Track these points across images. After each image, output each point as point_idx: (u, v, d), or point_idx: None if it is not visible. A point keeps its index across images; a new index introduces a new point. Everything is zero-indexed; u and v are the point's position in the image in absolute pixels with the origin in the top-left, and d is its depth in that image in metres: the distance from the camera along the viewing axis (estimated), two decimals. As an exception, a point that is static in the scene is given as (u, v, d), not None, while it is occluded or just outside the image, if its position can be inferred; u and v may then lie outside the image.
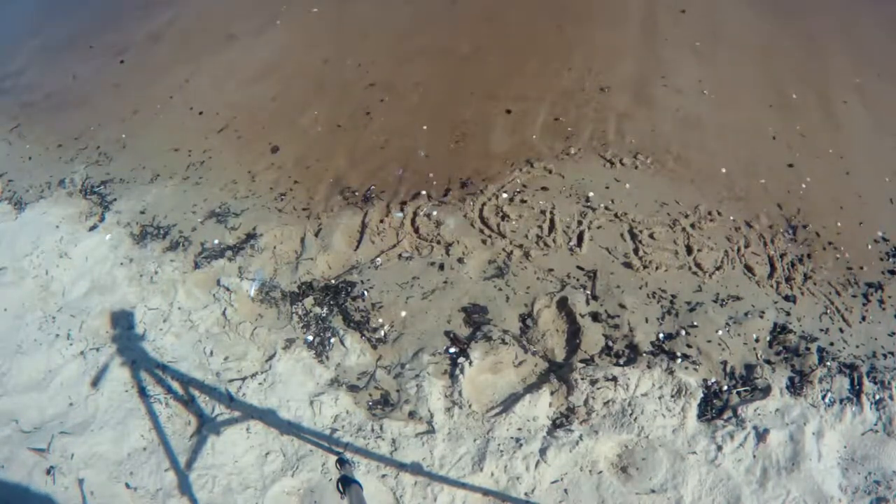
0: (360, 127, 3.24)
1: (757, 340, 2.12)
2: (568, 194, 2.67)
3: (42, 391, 2.33)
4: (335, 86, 3.55)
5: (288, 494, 1.96)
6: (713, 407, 1.98)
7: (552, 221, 2.56)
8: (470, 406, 2.04)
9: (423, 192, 2.80)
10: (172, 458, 2.05)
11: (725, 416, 1.94)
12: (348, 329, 2.33)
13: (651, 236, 2.46)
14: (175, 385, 2.26)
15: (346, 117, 3.32)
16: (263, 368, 2.24)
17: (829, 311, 2.19)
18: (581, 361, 2.10)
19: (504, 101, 3.20)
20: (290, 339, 2.33)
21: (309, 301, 2.43)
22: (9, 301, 2.68)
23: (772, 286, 2.28)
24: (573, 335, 2.21)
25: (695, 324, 2.16)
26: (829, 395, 1.96)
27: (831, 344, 2.09)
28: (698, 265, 2.36)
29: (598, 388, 2.00)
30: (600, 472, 1.87)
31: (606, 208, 2.59)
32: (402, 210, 2.72)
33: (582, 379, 2.03)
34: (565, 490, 1.85)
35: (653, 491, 1.82)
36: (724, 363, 2.07)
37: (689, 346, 2.11)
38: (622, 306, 2.24)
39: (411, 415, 2.04)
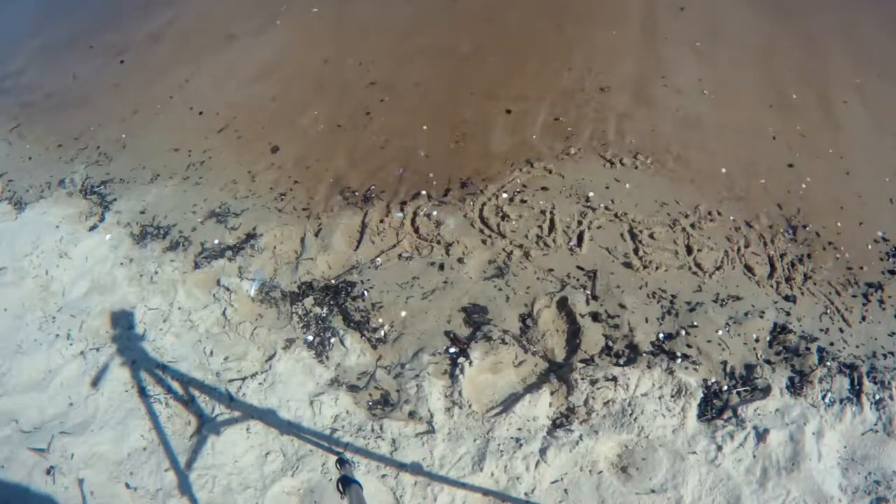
0: (360, 127, 3.24)
1: (757, 340, 2.12)
2: (568, 194, 2.67)
3: (42, 391, 2.33)
4: (335, 86, 3.55)
5: (288, 494, 1.96)
6: (713, 407, 1.98)
7: (552, 221, 2.56)
8: (470, 406, 2.04)
9: (423, 192, 2.80)
10: (172, 458, 2.05)
11: (725, 416, 1.94)
12: (348, 329, 2.33)
13: (651, 236, 2.46)
14: (175, 385, 2.26)
15: (347, 117, 3.32)
16: (263, 368, 2.25)
17: (829, 311, 2.19)
18: (581, 361, 2.10)
19: (504, 101, 3.20)
20: (290, 339, 2.33)
21: (309, 301, 2.43)
22: (9, 301, 2.68)
23: (772, 286, 2.28)
24: (573, 335, 2.21)
25: (695, 324, 2.16)
26: (829, 395, 1.96)
27: (831, 344, 2.09)
28: (698, 265, 2.36)
29: (598, 388, 2.00)
30: (600, 472, 1.87)
31: (606, 208, 2.59)
32: (402, 210, 2.73)
33: (582, 379, 2.03)
34: (565, 490, 1.85)
35: (653, 491, 1.82)
36: (724, 363, 2.07)
37: (689, 346, 2.11)
38: (622, 306, 2.24)
39: (411, 415, 2.04)
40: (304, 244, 2.66)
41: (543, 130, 3.01)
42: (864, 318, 2.17)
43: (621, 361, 2.10)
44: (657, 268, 2.36)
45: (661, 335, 2.16)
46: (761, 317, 2.16)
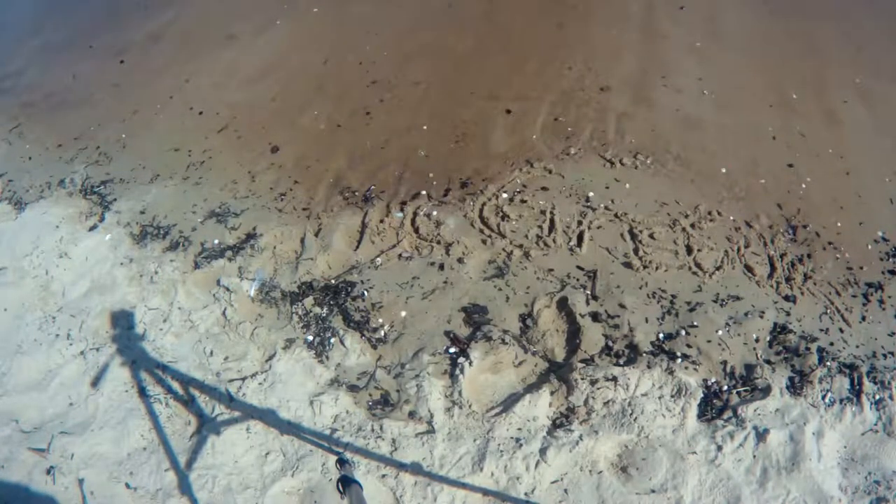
0: (361, 127, 3.24)
1: (757, 340, 2.12)
2: (568, 194, 2.67)
3: (42, 391, 2.33)
4: (335, 86, 3.55)
5: (288, 494, 1.96)
6: (713, 407, 1.98)
7: (552, 221, 2.56)
8: (470, 406, 2.04)
9: (423, 192, 2.80)
10: (172, 458, 2.05)
11: (725, 416, 1.94)
12: (348, 329, 2.33)
13: (651, 236, 2.46)
14: (175, 385, 2.26)
15: (347, 117, 3.32)
16: (263, 368, 2.25)
17: (829, 311, 2.19)
18: (581, 361, 2.10)
19: (504, 101, 3.20)
20: (290, 339, 2.33)
21: (309, 301, 2.43)
22: (9, 301, 2.68)
23: (772, 286, 2.28)
24: (573, 335, 2.21)
25: (695, 324, 2.16)
26: (829, 395, 1.96)
27: (831, 344, 2.09)
28: (698, 265, 2.36)
29: (598, 388, 2.00)
30: (600, 472, 1.87)
31: (606, 208, 2.59)
32: (402, 210, 2.73)
33: (582, 379, 2.03)
34: (565, 490, 1.85)
35: (653, 491, 1.82)
36: (724, 363, 2.07)
37: (689, 346, 2.11)
38: (622, 306, 2.24)
39: (411, 415, 2.04)
40: (304, 244, 2.66)
41: (543, 130, 3.01)
42: (864, 318, 2.17)
43: (621, 361, 2.10)
44: (657, 268, 2.36)
45: (661, 335, 2.16)
46: (761, 317, 2.16)
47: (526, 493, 1.84)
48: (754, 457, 1.84)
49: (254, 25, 4.24)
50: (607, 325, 2.20)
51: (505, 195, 2.70)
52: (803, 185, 2.62)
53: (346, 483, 1.33)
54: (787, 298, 2.24)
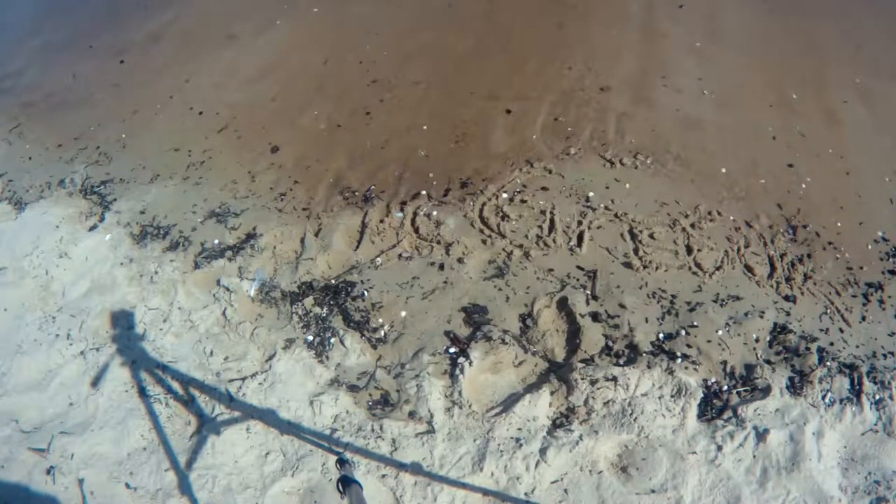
0: (361, 127, 3.24)
1: (757, 340, 2.12)
2: (568, 194, 2.67)
3: (42, 391, 2.33)
4: (335, 86, 3.55)
5: (288, 494, 1.96)
6: (713, 407, 1.98)
7: (552, 221, 2.56)
8: (470, 406, 2.04)
9: (423, 192, 2.80)
10: (172, 458, 2.05)
11: (725, 416, 1.94)
12: (348, 329, 2.33)
13: (651, 236, 2.46)
14: (175, 385, 2.26)
15: (346, 117, 3.32)
16: (263, 368, 2.25)
17: (829, 311, 2.19)
18: (581, 361, 2.10)
19: (504, 101, 3.20)
20: (290, 339, 2.33)
21: (309, 301, 2.43)
22: (9, 301, 2.68)
23: (772, 286, 2.28)
24: (573, 335, 2.21)
25: (695, 324, 2.16)
26: (829, 395, 1.96)
27: (831, 344, 2.09)
28: (698, 265, 2.36)
29: (598, 388, 2.00)
30: (600, 472, 1.87)
31: (606, 208, 2.59)
32: (402, 210, 2.73)
33: (582, 379, 2.03)
34: (565, 490, 1.85)
35: (653, 491, 1.82)
36: (724, 363, 2.07)
37: (689, 346, 2.11)
38: (622, 306, 2.24)
39: (411, 415, 2.04)
40: (304, 244, 2.66)
41: (543, 130, 3.01)
42: (864, 318, 2.17)
43: (621, 361, 2.10)
44: (657, 268, 2.36)
45: (661, 335, 2.16)
46: (761, 317, 2.16)
47: (526, 493, 1.84)
48: (754, 457, 1.84)
49: (254, 25, 4.24)
50: (607, 325, 2.20)
51: (505, 195, 2.70)
52: (803, 185, 2.62)
53: (346, 483, 1.33)
54: (787, 298, 2.24)
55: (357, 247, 2.62)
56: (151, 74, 4.03)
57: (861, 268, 2.32)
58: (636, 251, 2.42)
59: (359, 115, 3.31)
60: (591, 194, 2.65)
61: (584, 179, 2.72)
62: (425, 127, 3.15)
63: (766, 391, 1.97)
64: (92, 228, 2.95)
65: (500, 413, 2.01)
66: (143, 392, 2.25)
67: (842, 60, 3.21)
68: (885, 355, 2.05)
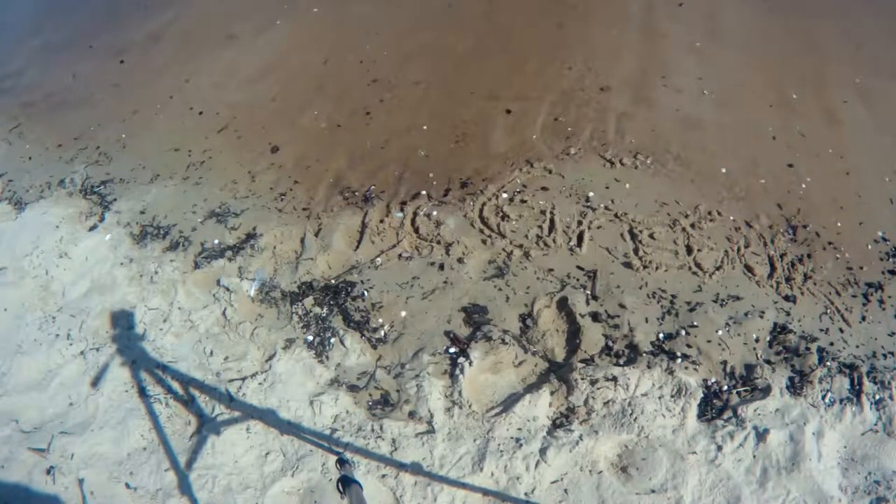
0: (361, 127, 3.24)
1: (757, 340, 2.12)
2: (568, 194, 2.67)
3: (42, 391, 2.33)
4: (335, 86, 3.55)
5: (288, 494, 1.96)
6: (713, 407, 1.98)
7: (552, 221, 2.56)
8: (470, 406, 2.04)
9: (423, 192, 2.80)
10: (172, 458, 2.05)
11: (725, 416, 1.94)
12: (348, 329, 2.33)
13: (651, 236, 2.46)
14: (175, 385, 2.26)
15: (347, 117, 3.32)
16: (263, 368, 2.25)
17: (829, 311, 2.19)
18: (581, 361, 2.10)
19: (504, 101, 3.20)
20: (290, 339, 2.33)
21: (309, 301, 2.43)
22: (9, 301, 2.68)
23: (772, 286, 2.28)
24: (573, 335, 2.21)
25: (695, 324, 2.16)
26: (829, 395, 1.96)
27: (831, 344, 2.09)
28: (698, 265, 2.36)
29: (598, 388, 2.00)
30: (600, 472, 1.87)
31: (606, 208, 2.58)
32: (402, 210, 2.73)
33: (582, 379, 2.03)
34: (565, 490, 1.85)
35: (653, 491, 1.82)
36: (724, 363, 2.07)
37: (689, 346, 2.11)
38: (622, 306, 2.24)
39: (411, 415, 2.04)
40: (304, 244, 2.66)
41: (543, 130, 3.01)
42: (864, 318, 2.17)
43: (621, 361, 2.10)
44: (657, 268, 2.35)
45: (661, 335, 2.16)
46: (761, 317, 2.16)
47: (526, 493, 1.84)
48: (754, 457, 1.84)
49: (254, 25, 4.24)
50: (607, 325, 2.20)
51: (505, 195, 2.70)
52: (803, 185, 2.62)
53: (346, 483, 1.33)
54: (787, 298, 2.24)
55: (357, 247, 2.62)
56: (151, 74, 4.03)
57: (861, 268, 2.32)
58: (636, 251, 2.42)
59: (359, 115, 3.31)
60: (591, 194, 2.65)
61: (584, 179, 2.72)
62: (425, 127, 3.15)
63: (766, 391, 1.97)
64: (92, 228, 2.95)
65: (500, 413, 2.01)
66: (143, 392, 2.25)
67: (842, 60, 3.21)
68: (885, 355, 2.05)
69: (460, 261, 2.48)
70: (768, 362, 2.06)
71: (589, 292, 2.30)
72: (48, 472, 2.08)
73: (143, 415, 2.18)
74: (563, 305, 2.28)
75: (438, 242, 2.57)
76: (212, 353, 2.33)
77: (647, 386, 2.00)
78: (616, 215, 2.55)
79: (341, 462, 1.54)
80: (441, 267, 2.48)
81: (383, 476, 1.91)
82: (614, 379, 2.01)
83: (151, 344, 2.40)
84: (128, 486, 2.02)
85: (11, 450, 2.16)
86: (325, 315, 2.39)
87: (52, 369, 2.40)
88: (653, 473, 1.85)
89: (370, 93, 3.43)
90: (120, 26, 4.65)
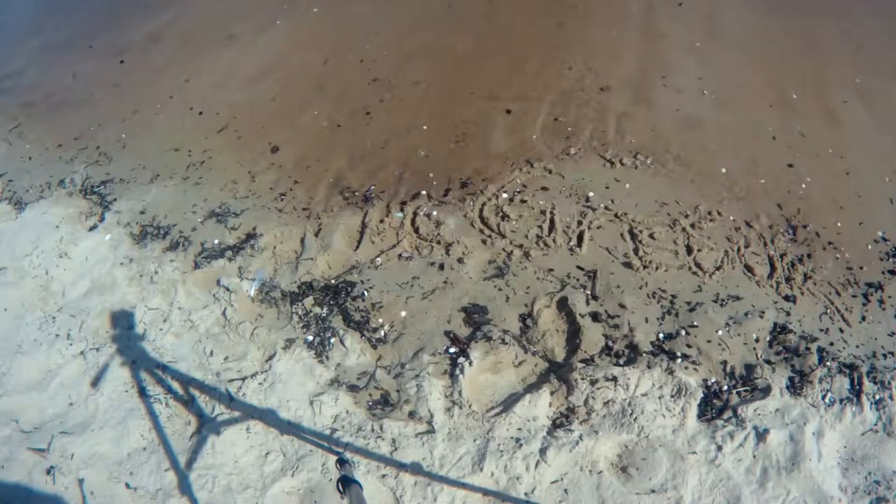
0: (361, 127, 3.24)
1: (757, 340, 2.12)
2: (568, 194, 2.67)
3: (42, 391, 2.33)
4: (335, 86, 3.55)
5: (288, 494, 1.96)
6: (713, 407, 1.98)
7: (552, 221, 2.56)
8: (470, 406, 2.04)
9: (423, 192, 2.80)
10: (172, 458, 2.05)
11: (725, 416, 1.94)
12: (348, 329, 2.33)
13: (651, 236, 2.46)
14: (175, 385, 2.26)
15: (347, 117, 3.32)
16: (263, 368, 2.25)
17: (829, 311, 2.19)
18: (581, 361, 2.10)
19: (504, 101, 3.20)
20: (290, 339, 2.33)
21: (309, 301, 2.43)
22: (9, 301, 2.68)
23: (772, 286, 2.28)
24: (573, 335, 2.21)
25: (695, 324, 2.16)
26: (829, 395, 1.96)
27: (831, 344, 2.09)
28: (698, 265, 2.36)
29: (598, 388, 2.00)
30: (600, 472, 1.87)
31: (606, 208, 2.58)
32: (402, 210, 2.73)
33: (582, 379, 2.03)
34: (565, 490, 1.85)
35: (653, 491, 1.82)
36: (724, 363, 2.07)
37: (689, 346, 2.11)
38: (622, 306, 2.24)
39: (411, 415, 2.04)
40: (304, 244, 2.66)
41: (543, 130, 3.01)
42: (864, 318, 2.17)
43: (621, 361, 2.10)
44: (657, 268, 2.35)
45: (661, 335, 2.16)
46: (761, 317, 2.16)
47: (526, 493, 1.84)
48: (754, 457, 1.84)
49: (254, 25, 4.24)
50: (607, 325, 2.20)
51: (505, 195, 2.70)
52: (803, 185, 2.62)
53: (346, 483, 1.33)
54: (787, 298, 2.24)
55: (357, 247, 2.62)
56: (151, 74, 4.03)
57: (861, 268, 2.32)
58: (636, 251, 2.42)
59: (359, 114, 3.31)
60: (591, 194, 2.65)
61: (584, 179, 2.72)
62: (425, 127, 3.15)
63: (766, 391, 1.97)
64: (92, 228, 2.95)
65: (500, 413, 2.01)
66: (143, 392, 2.25)
67: (842, 60, 3.21)
68: (885, 355, 2.05)
69: (460, 261, 2.48)
70: (768, 362, 2.06)
71: (589, 292, 2.30)
72: (48, 472, 2.08)
73: (143, 415, 2.18)
74: (563, 305, 2.28)
75: (438, 242, 2.57)
76: (212, 353, 2.33)
77: (647, 386, 2.00)
78: (616, 215, 2.55)
79: (341, 462, 1.54)
80: (441, 267, 2.48)
81: (383, 476, 1.91)
82: (614, 379, 2.01)
83: (151, 344, 2.40)
84: (128, 486, 2.02)
85: (11, 450, 2.16)
86: (325, 315, 2.39)
87: (52, 369, 2.40)
88: (653, 473, 1.85)
89: (370, 93, 3.43)
90: (120, 26, 4.65)
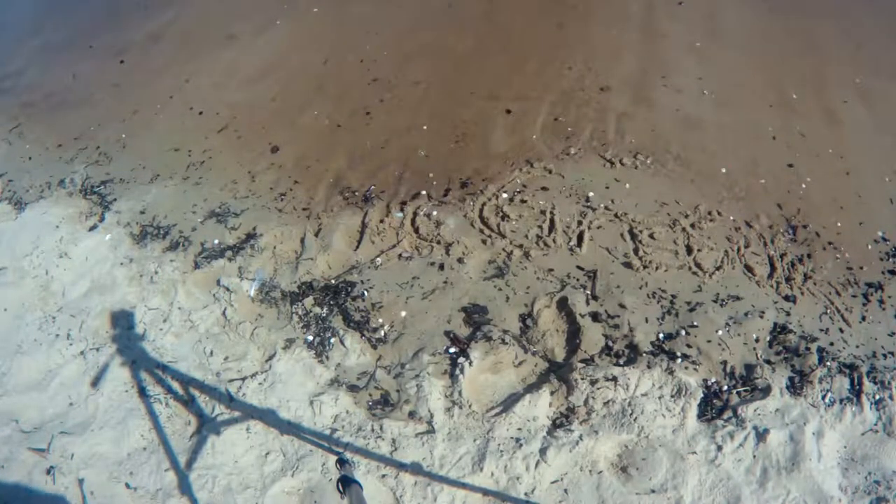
0: (361, 127, 3.24)
1: (757, 340, 2.12)
2: (568, 194, 2.67)
3: (42, 391, 2.33)
4: (335, 85, 3.55)
5: (288, 494, 1.96)
6: (713, 407, 1.98)
7: (552, 221, 2.56)
8: (470, 406, 2.04)
9: (423, 192, 2.80)
10: (172, 458, 2.05)
11: (725, 416, 1.94)
12: (348, 329, 2.33)
13: (651, 236, 2.46)
14: (175, 385, 2.26)
15: (347, 117, 3.32)
16: (263, 368, 2.25)
17: (829, 311, 2.19)
18: (581, 361, 2.10)
19: (504, 101, 3.20)
20: (290, 339, 2.33)
21: (309, 301, 2.43)
22: (9, 301, 2.68)
23: (772, 286, 2.28)
24: (573, 335, 2.21)
25: (695, 324, 2.16)
26: (829, 395, 1.96)
27: (831, 344, 2.09)
28: (698, 265, 2.36)
29: (598, 388, 2.00)
30: (600, 472, 1.87)
31: (606, 208, 2.58)
32: (402, 210, 2.72)
33: (582, 379, 2.03)
34: (565, 490, 1.85)
35: (653, 491, 1.82)
36: (724, 363, 2.07)
37: (689, 346, 2.11)
38: (622, 306, 2.24)
39: (411, 415, 2.04)
40: (304, 244, 2.66)
41: (543, 130, 3.01)
42: (864, 318, 2.17)
43: (621, 361, 2.10)
44: (657, 268, 2.35)
45: (661, 335, 2.16)
46: (761, 317, 2.16)
47: (526, 493, 1.84)
48: (754, 457, 1.84)
49: (254, 25, 4.24)
50: (607, 325, 2.20)
51: (505, 195, 2.70)
52: (803, 185, 2.62)
53: (346, 483, 1.33)
54: (787, 298, 2.24)
55: (357, 247, 2.62)
56: (151, 74, 4.03)
57: (861, 268, 2.32)
58: (636, 251, 2.42)
59: (359, 114, 3.31)
60: (591, 194, 2.65)
61: (584, 179, 2.72)
62: (425, 127, 3.15)
63: (766, 391, 1.97)
64: (92, 228, 2.95)
65: (500, 413, 2.01)
66: (143, 392, 2.25)
67: (842, 60, 3.21)
68: (885, 355, 2.05)
69: (460, 261, 2.48)
70: (768, 362, 2.06)
71: (589, 292, 2.30)
72: (48, 472, 2.08)
73: (143, 415, 2.18)
74: (563, 305, 2.28)
75: (438, 242, 2.57)
76: (212, 353, 2.33)
77: (647, 386, 2.00)
78: (616, 215, 2.55)
79: (341, 462, 1.54)
80: (441, 267, 2.48)
81: (383, 476, 1.91)
82: (614, 379, 2.01)
83: (151, 344, 2.40)
84: (128, 486, 2.02)
85: (11, 450, 2.16)
86: (325, 315, 2.39)
87: (52, 369, 2.40)
88: (653, 473, 1.85)
89: (370, 93, 3.43)
90: (120, 26, 4.65)
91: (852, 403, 1.93)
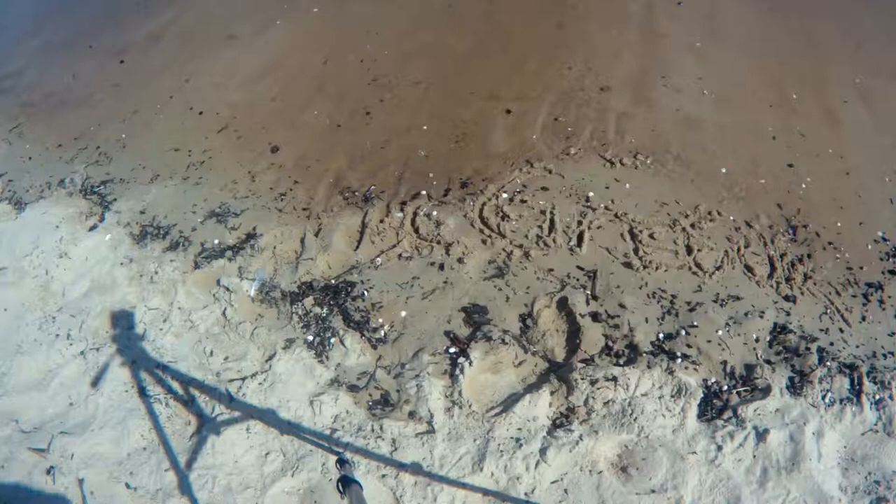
0: (361, 127, 3.24)
1: (757, 340, 2.12)
2: (568, 194, 2.67)
3: (42, 391, 2.33)
4: (335, 85, 3.55)
5: (288, 494, 1.96)
6: (713, 407, 1.98)
7: (552, 221, 2.56)
8: (470, 406, 2.04)
9: (423, 192, 2.80)
10: (172, 458, 2.05)
11: (725, 416, 1.94)
12: (348, 329, 2.33)
13: (651, 236, 2.46)
14: (175, 385, 2.26)
15: (347, 117, 3.32)
16: (263, 368, 2.25)
17: (829, 311, 2.19)
18: (581, 361, 2.10)
19: (504, 101, 3.20)
20: (290, 339, 2.33)
21: (309, 301, 2.43)
22: (9, 301, 2.68)
23: (772, 286, 2.28)
24: (573, 335, 2.21)
25: (695, 324, 2.16)
26: (829, 395, 1.96)
27: (831, 344, 2.09)
28: (698, 265, 2.36)
29: (598, 388, 2.00)
30: (600, 472, 1.87)
31: (606, 208, 2.58)
32: (402, 210, 2.72)
33: (582, 379, 2.03)
34: (565, 490, 1.85)
35: (653, 491, 1.82)
36: (724, 363, 2.07)
37: (689, 346, 2.11)
38: (622, 306, 2.24)
39: (411, 415, 2.04)
40: (304, 244, 2.66)
41: (543, 130, 3.01)
42: (864, 318, 2.17)
43: (621, 361, 2.10)
44: (657, 268, 2.35)
45: (661, 335, 2.16)
46: (761, 317, 2.16)
47: (526, 493, 1.84)
48: (754, 457, 1.84)
49: (254, 25, 4.24)
50: (607, 325, 2.20)
51: (505, 195, 2.70)
52: (803, 185, 2.62)
53: (346, 483, 1.34)
54: (787, 298, 2.24)
55: (357, 247, 2.62)
56: (151, 74, 4.03)
57: (861, 268, 2.32)
58: (636, 251, 2.42)
59: (359, 114, 3.31)
60: (591, 194, 2.65)
61: (584, 179, 2.72)
62: (425, 127, 3.15)
63: (766, 391, 1.97)
64: (92, 228, 2.95)
65: (500, 413, 2.01)
66: (143, 392, 2.25)
67: (842, 60, 3.21)
68: (885, 355, 2.05)
69: (460, 261, 2.48)
70: (768, 362, 2.06)
71: (589, 292, 2.30)
72: (48, 472, 2.08)
73: (143, 415, 2.18)
74: (563, 305, 2.28)
75: (438, 242, 2.57)
76: (212, 353, 2.33)
77: (647, 386, 2.00)
78: (616, 215, 2.55)
79: (341, 462, 1.54)
80: (441, 267, 2.48)
81: (383, 476, 1.91)
82: (614, 379, 2.01)
83: (151, 344, 2.40)
84: (128, 486, 2.02)
85: (11, 450, 2.16)
86: (325, 315, 2.39)
87: (52, 369, 2.40)
88: (653, 473, 1.85)
89: (370, 93, 3.43)
90: (120, 26, 4.65)
91: (852, 403, 1.93)
